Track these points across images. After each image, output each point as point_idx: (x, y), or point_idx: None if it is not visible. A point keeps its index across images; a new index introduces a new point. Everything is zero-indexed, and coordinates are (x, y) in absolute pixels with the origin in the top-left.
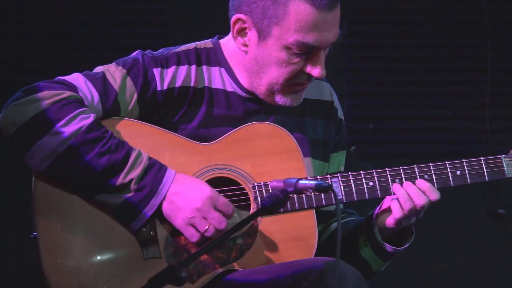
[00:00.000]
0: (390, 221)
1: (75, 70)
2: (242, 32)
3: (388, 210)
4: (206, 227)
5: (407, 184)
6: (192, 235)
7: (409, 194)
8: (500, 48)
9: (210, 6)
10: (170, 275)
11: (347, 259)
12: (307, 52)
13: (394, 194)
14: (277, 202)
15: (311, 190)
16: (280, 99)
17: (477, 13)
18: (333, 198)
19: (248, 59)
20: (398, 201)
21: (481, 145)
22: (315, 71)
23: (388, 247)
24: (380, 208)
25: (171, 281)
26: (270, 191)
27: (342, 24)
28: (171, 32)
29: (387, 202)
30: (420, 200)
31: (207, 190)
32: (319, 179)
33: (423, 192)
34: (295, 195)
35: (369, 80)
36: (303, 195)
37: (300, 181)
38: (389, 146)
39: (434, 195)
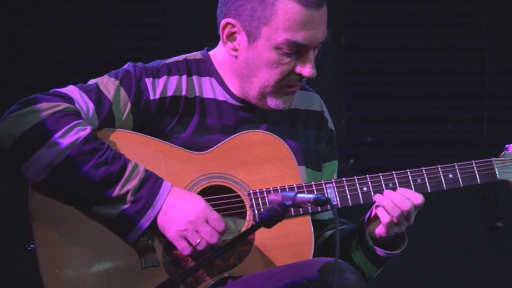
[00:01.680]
0: (381, 230)
1: (74, 83)
2: (231, 36)
3: (377, 218)
4: (198, 241)
5: (388, 192)
6: (184, 248)
7: (393, 201)
8: (498, 62)
9: (208, 20)
10: None
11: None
12: (297, 52)
13: (376, 204)
14: (275, 215)
15: (309, 204)
16: (272, 102)
17: (475, 27)
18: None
19: (239, 63)
20: (385, 209)
21: (480, 158)
22: (306, 70)
23: (380, 251)
24: (370, 214)
25: None
26: (268, 204)
27: (340, 38)
28: (170, 45)
29: (375, 209)
30: (405, 205)
31: (201, 204)
32: (313, 186)
33: (407, 198)
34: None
35: (367, 93)
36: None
37: (298, 195)
38: (387, 159)
39: (418, 199)
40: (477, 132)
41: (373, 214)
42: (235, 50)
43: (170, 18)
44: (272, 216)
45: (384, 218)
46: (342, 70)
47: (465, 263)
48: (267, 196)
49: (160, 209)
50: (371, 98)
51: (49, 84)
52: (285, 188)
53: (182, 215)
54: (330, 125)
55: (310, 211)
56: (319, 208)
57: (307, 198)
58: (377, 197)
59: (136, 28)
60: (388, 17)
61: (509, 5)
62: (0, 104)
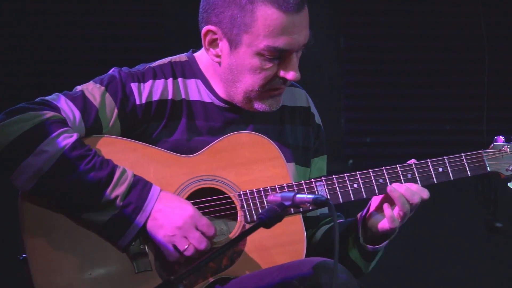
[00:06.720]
0: (384, 224)
1: (73, 83)
2: (213, 43)
3: (380, 212)
4: (186, 246)
5: (398, 185)
6: (170, 254)
7: (404, 195)
8: (497, 62)
9: None
10: None
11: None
12: (279, 57)
13: (389, 195)
14: (275, 216)
15: (309, 204)
16: (258, 105)
17: (474, 28)
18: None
19: (222, 69)
20: (397, 203)
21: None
22: (289, 74)
23: (368, 247)
24: (368, 210)
25: None
26: (258, 204)
27: (339, 39)
28: (169, 45)
29: (374, 203)
30: (415, 199)
31: (190, 210)
32: (304, 185)
33: (416, 192)
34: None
35: (367, 94)
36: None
37: (298, 195)
38: (387, 159)
39: (425, 193)
40: (476, 133)
41: (371, 209)
42: (218, 56)
43: (169, 18)
44: (271, 217)
45: (391, 211)
46: (341, 70)
47: (464, 263)
48: (258, 197)
49: (149, 214)
50: (371, 99)
51: (48, 85)
52: (276, 188)
53: (171, 220)
54: (317, 120)
55: (301, 210)
56: (310, 206)
57: (306, 199)
58: (390, 190)
59: (135, 29)
60: (387, 18)
61: (508, 5)
62: (1, 105)
